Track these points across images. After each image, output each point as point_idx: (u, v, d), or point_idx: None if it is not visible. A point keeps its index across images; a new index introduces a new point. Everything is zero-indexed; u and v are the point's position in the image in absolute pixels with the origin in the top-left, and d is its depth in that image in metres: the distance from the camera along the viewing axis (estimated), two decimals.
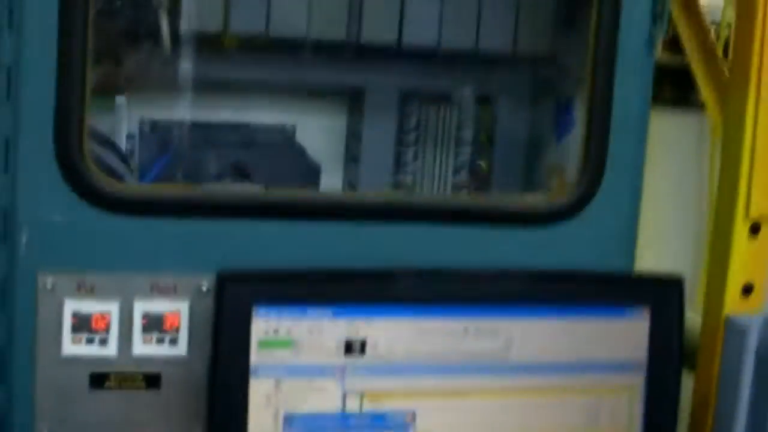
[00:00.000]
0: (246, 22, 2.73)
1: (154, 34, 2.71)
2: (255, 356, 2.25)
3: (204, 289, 2.32)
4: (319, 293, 2.27)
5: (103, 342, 2.29)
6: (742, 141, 2.62)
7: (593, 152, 2.52)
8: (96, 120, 2.68)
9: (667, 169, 3.74)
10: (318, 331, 2.28)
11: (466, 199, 2.96)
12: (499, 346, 2.40)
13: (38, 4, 2.19)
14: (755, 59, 2.59)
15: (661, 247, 3.74)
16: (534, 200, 2.62)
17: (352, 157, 3.06)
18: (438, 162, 3.10)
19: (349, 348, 2.31)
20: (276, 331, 2.25)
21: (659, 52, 3.22)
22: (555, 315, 2.41)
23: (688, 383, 2.69)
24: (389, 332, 2.32)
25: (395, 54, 2.88)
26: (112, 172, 2.49)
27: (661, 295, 2.48)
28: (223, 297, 2.21)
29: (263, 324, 2.24)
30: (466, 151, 3.13)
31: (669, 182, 3.75)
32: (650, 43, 2.56)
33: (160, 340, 2.32)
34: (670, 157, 3.75)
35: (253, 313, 2.23)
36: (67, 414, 2.29)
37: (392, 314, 2.32)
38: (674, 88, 3.60)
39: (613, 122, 2.52)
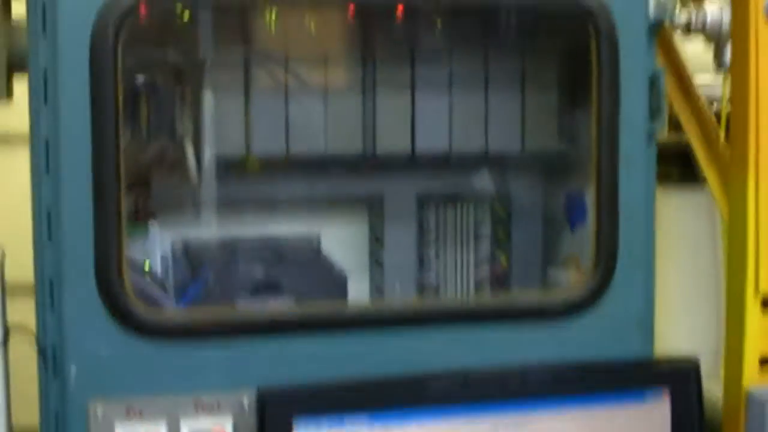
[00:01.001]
0: (266, 145, 2.87)
1: (181, 162, 2.84)
2: None
3: (245, 404, 2.44)
4: (354, 403, 2.39)
5: None
6: (746, 220, 2.73)
7: (604, 245, 2.63)
8: (131, 245, 2.81)
9: (682, 246, 3.82)
10: None
11: (485, 299, 3.08)
12: None
13: (72, 150, 2.34)
14: (752, 141, 2.71)
15: (683, 323, 3.82)
16: (551, 295, 2.72)
17: (376, 262, 3.17)
18: (459, 259, 3.22)
19: None
20: None
21: (664, 134, 3.33)
22: (579, 405, 2.52)
23: None
24: None
25: (410, 161, 3.00)
26: (150, 299, 2.62)
27: (679, 378, 2.58)
28: (264, 413, 2.33)
29: None
30: (485, 247, 3.24)
31: (686, 259, 3.82)
32: (650, 136, 2.67)
33: None
34: (684, 234, 3.83)
35: (294, 426, 2.35)
36: None
37: (425, 417, 2.43)
38: (682, 166, 3.68)
39: (621, 215, 2.63)
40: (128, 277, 2.40)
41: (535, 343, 2.62)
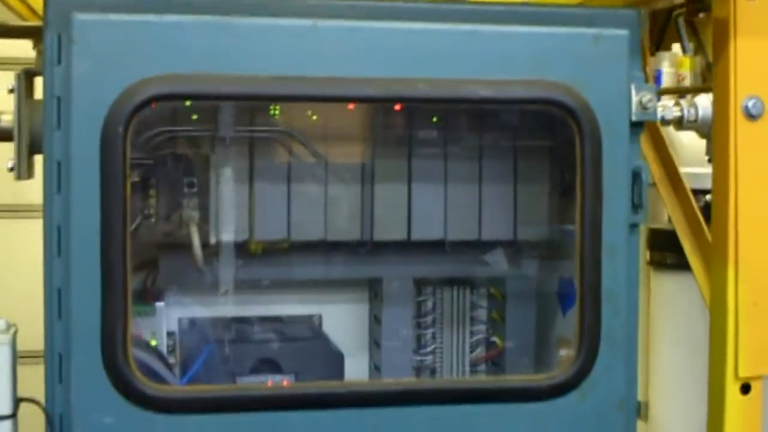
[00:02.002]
0: (269, 230, 3.03)
1: (187, 245, 2.99)
2: None
3: None
4: None
5: None
6: (726, 308, 2.85)
7: (587, 330, 2.75)
8: (139, 322, 2.98)
9: (676, 328, 3.94)
10: None
11: (471, 380, 3.20)
12: None
13: (83, 235, 2.50)
14: (731, 231, 2.84)
15: (678, 401, 3.94)
16: (535, 377, 2.84)
17: (375, 342, 3.31)
18: (455, 340, 3.35)
19: None
20: None
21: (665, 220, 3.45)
22: None
23: None
24: None
25: (406, 247, 3.15)
26: (154, 374, 2.76)
27: None
28: None
29: None
30: (481, 329, 3.37)
31: (680, 339, 3.94)
32: (632, 227, 2.80)
33: None
34: (678, 316, 3.95)
35: None
36: None
37: None
38: (675, 252, 3.79)
39: (603, 302, 2.75)
40: (134, 353, 2.54)
41: (520, 423, 2.74)
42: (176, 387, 2.84)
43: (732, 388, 2.87)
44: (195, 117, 2.96)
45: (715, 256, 2.91)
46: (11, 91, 2.73)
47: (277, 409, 2.65)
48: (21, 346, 2.66)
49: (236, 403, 2.63)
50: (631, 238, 2.81)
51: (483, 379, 3.23)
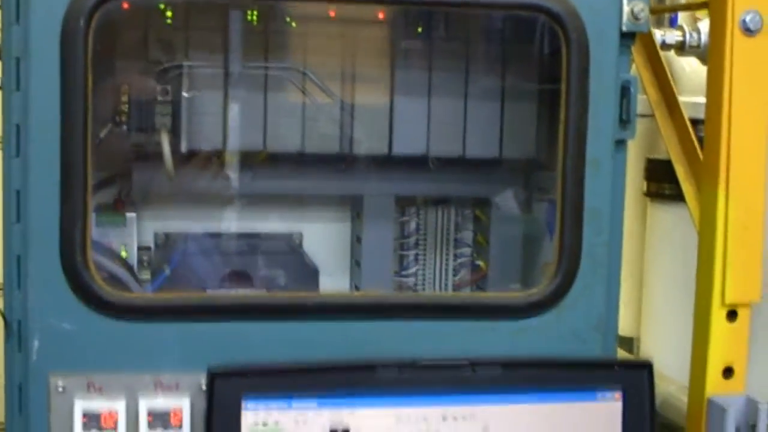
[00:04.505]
0: (243, 140, 2.93)
1: (160, 155, 2.91)
2: None
3: (204, 385, 2.49)
4: (303, 385, 2.44)
5: None
6: (714, 232, 2.76)
7: (567, 248, 2.66)
8: (109, 233, 2.90)
9: (673, 260, 3.85)
10: (304, 422, 2.45)
11: (450, 295, 3.12)
12: (477, 431, 2.54)
13: (42, 134, 2.42)
14: (723, 153, 2.75)
15: (673, 335, 3.85)
16: (512, 294, 2.76)
17: (357, 263, 3.22)
18: (438, 262, 3.27)
19: None
20: (265, 423, 2.43)
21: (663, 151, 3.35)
22: (530, 400, 2.56)
23: None
24: (371, 420, 2.48)
25: (388, 162, 3.05)
26: (119, 282, 2.69)
27: (631, 378, 2.61)
28: (213, 391, 2.39)
29: (252, 416, 2.42)
30: (466, 252, 3.28)
31: (676, 271, 3.85)
32: (619, 143, 2.70)
33: None
34: (675, 247, 3.86)
35: (243, 406, 2.41)
36: None
37: (374, 403, 2.48)
38: (674, 183, 3.70)
39: (585, 219, 2.66)
40: (92, 256, 2.46)
41: (495, 340, 2.66)
42: (137, 293, 2.76)
43: (718, 315, 2.80)
44: (169, 20, 2.86)
45: (706, 177, 2.82)
46: None
47: (245, 319, 2.56)
48: None
49: (199, 311, 2.55)
50: (618, 155, 2.71)
51: (458, 295, 3.15)
